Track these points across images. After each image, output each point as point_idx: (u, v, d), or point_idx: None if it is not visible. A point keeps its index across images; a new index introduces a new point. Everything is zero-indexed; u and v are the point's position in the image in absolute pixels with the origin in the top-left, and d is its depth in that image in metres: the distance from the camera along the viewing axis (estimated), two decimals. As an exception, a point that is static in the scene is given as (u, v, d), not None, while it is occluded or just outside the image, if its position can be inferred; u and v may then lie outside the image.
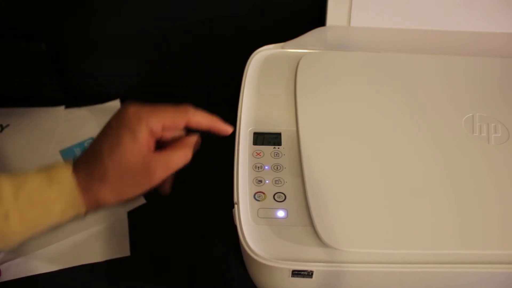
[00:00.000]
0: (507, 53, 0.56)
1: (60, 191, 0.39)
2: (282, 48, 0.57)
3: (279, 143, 0.47)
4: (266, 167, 0.45)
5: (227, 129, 0.44)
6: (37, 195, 0.38)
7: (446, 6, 0.58)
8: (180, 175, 0.45)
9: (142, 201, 0.56)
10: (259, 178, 0.44)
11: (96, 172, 0.40)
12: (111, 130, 0.42)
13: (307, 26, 0.58)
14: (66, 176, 0.39)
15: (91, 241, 0.53)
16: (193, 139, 0.43)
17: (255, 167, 0.45)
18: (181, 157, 0.41)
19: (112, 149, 0.40)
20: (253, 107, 0.50)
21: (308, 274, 0.38)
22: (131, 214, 0.55)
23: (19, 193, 0.38)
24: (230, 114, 0.51)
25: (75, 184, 0.39)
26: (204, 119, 0.43)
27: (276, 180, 0.44)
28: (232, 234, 0.41)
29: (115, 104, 0.67)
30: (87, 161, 0.41)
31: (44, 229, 0.40)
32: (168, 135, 0.44)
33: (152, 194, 0.49)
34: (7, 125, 0.65)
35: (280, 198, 0.42)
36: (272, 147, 0.46)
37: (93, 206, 0.40)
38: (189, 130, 0.43)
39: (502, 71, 0.54)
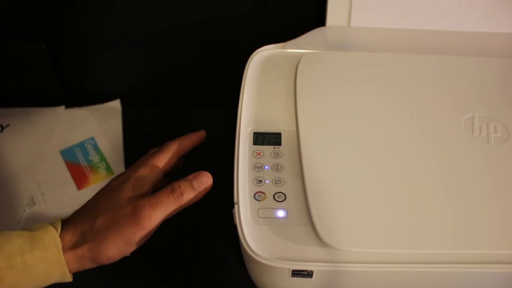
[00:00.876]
0: (507, 53, 0.56)
1: (44, 254, 0.37)
2: (282, 48, 0.57)
3: (279, 143, 0.47)
4: (266, 167, 0.45)
5: (200, 135, 0.50)
6: (17, 258, 0.37)
7: (446, 6, 0.58)
8: (180, 175, 0.45)
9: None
10: (259, 178, 0.44)
11: (88, 223, 0.40)
12: (111, 184, 0.44)
13: (307, 26, 0.58)
14: (51, 237, 0.38)
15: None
16: (191, 176, 0.43)
17: (255, 167, 0.45)
18: (166, 194, 0.41)
19: (109, 196, 0.42)
20: (253, 107, 0.50)
21: (308, 274, 0.38)
22: (131, 214, 0.55)
23: None
24: (230, 114, 0.51)
25: (61, 246, 0.38)
26: (185, 142, 0.48)
27: (276, 180, 0.44)
28: (232, 234, 0.41)
29: (115, 104, 0.67)
30: (80, 215, 0.41)
31: None
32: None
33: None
34: (7, 125, 0.65)
35: (280, 198, 0.42)
36: (272, 147, 0.46)
37: (85, 264, 0.39)
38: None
39: (502, 71, 0.54)
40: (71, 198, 0.57)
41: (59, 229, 0.39)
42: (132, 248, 0.41)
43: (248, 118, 0.49)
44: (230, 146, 0.46)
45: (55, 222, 0.40)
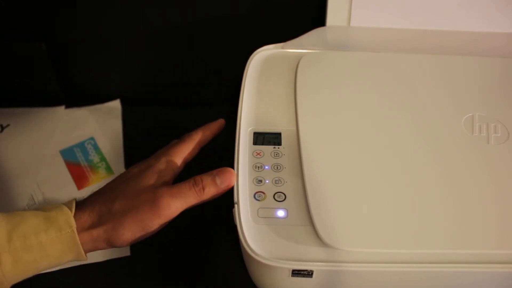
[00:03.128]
0: (507, 53, 0.56)
1: (59, 234, 0.37)
2: (282, 48, 0.57)
3: (279, 143, 0.47)
4: (266, 167, 0.45)
5: (219, 124, 0.49)
6: (32, 238, 0.37)
7: (446, 6, 0.58)
8: (180, 175, 0.45)
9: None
10: (259, 178, 0.44)
11: (105, 206, 0.40)
12: (134, 169, 0.44)
13: (307, 26, 0.58)
14: (65, 217, 0.38)
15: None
16: (214, 172, 0.43)
17: (255, 167, 0.45)
18: (187, 186, 0.41)
19: (127, 180, 0.42)
20: (253, 107, 0.50)
21: (308, 273, 0.38)
22: (131, 214, 0.55)
23: (12, 235, 0.36)
24: (230, 114, 0.51)
25: (75, 226, 0.38)
26: (205, 132, 0.48)
27: (276, 180, 0.44)
28: (232, 234, 0.41)
29: (115, 104, 0.67)
30: (98, 197, 0.41)
31: (40, 271, 0.39)
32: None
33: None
34: (7, 125, 0.65)
35: (280, 197, 0.42)
36: (272, 147, 0.46)
37: (99, 245, 0.39)
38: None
39: (502, 71, 0.54)
40: (71, 198, 0.57)
41: (73, 210, 0.39)
42: (147, 235, 0.41)
43: (248, 118, 0.49)
44: (230, 146, 0.46)
45: (69, 202, 0.40)
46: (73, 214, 0.39)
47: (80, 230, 0.39)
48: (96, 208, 0.40)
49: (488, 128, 0.47)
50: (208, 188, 0.42)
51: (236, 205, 0.42)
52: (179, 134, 0.50)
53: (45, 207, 0.40)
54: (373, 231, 0.39)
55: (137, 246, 0.52)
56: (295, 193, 0.43)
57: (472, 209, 0.41)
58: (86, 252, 0.39)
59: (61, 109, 0.67)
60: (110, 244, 0.40)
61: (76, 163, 0.61)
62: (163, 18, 0.62)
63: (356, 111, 0.48)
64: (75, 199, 0.41)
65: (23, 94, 0.68)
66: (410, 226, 0.40)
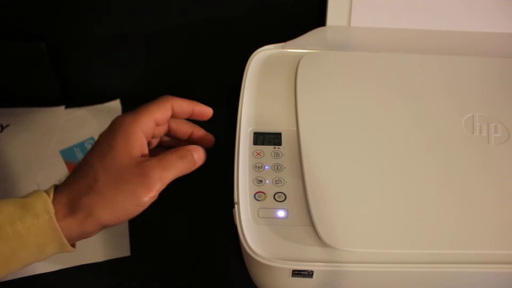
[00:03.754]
0: (507, 53, 0.56)
1: (36, 221, 0.35)
2: (282, 48, 0.57)
3: (280, 143, 0.47)
4: (266, 167, 0.45)
5: (208, 110, 0.45)
6: (8, 227, 0.34)
7: (446, 6, 0.58)
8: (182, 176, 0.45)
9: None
10: (259, 178, 0.44)
11: (85, 184, 0.37)
12: (102, 140, 0.39)
13: (307, 26, 0.58)
14: (43, 204, 0.36)
15: (91, 241, 0.52)
16: (192, 146, 0.42)
17: (255, 167, 0.45)
18: (178, 156, 0.40)
19: (103, 154, 0.38)
20: (253, 107, 0.50)
21: (309, 274, 0.38)
22: (131, 214, 0.55)
23: None
24: (230, 114, 0.51)
25: (54, 212, 0.35)
26: (184, 103, 0.43)
27: (276, 180, 0.44)
28: (232, 234, 0.41)
29: (115, 104, 0.67)
30: (74, 176, 0.38)
31: (22, 264, 0.36)
32: (160, 132, 0.44)
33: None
34: (7, 125, 0.65)
35: (280, 198, 0.42)
36: (272, 147, 0.46)
37: (86, 228, 0.37)
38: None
39: (502, 71, 0.54)
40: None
41: (52, 195, 0.36)
42: (140, 209, 0.38)
43: (248, 118, 0.49)
44: (230, 146, 0.46)
45: (49, 188, 0.37)
46: (51, 199, 0.36)
47: (61, 216, 0.36)
48: (74, 189, 0.37)
49: (488, 128, 0.47)
50: (197, 154, 0.41)
51: (236, 205, 0.42)
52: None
53: (26, 194, 0.37)
54: (373, 231, 0.39)
55: (137, 246, 0.52)
56: (295, 193, 0.43)
57: (472, 210, 0.41)
58: (73, 240, 0.37)
59: (61, 109, 0.67)
60: (100, 224, 0.37)
61: (76, 163, 0.61)
62: (163, 18, 0.62)
63: (357, 111, 0.48)
64: (54, 184, 0.38)
65: (23, 94, 0.68)
66: (410, 226, 0.40)
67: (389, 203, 0.41)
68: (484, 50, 0.56)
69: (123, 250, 0.52)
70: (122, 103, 0.68)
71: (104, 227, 0.38)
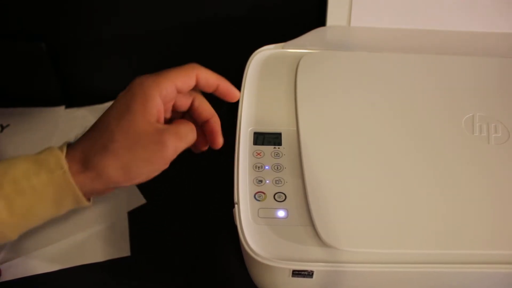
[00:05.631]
0: (507, 53, 0.56)
1: (50, 176, 0.35)
2: (282, 48, 0.57)
3: (280, 143, 0.47)
4: (266, 167, 0.45)
5: (234, 91, 0.42)
6: (24, 182, 0.35)
7: (446, 6, 0.58)
8: (180, 175, 0.45)
9: (142, 201, 0.56)
10: (260, 178, 0.44)
11: (100, 142, 0.36)
12: (120, 101, 0.38)
13: (307, 26, 0.58)
14: (56, 159, 0.36)
15: (91, 241, 0.53)
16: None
17: (255, 167, 0.45)
18: (190, 129, 0.39)
19: (120, 116, 0.37)
20: (253, 107, 0.50)
21: (309, 274, 0.38)
22: (131, 214, 0.55)
23: (2, 182, 0.35)
24: (230, 114, 0.51)
25: (67, 167, 0.35)
26: (212, 76, 0.41)
27: (277, 180, 0.44)
28: (233, 234, 0.41)
29: (115, 104, 0.67)
30: (89, 134, 0.38)
31: (41, 219, 0.37)
32: (181, 102, 0.42)
33: (153, 194, 0.49)
34: (7, 125, 0.65)
35: (280, 198, 0.42)
36: (272, 147, 0.46)
37: (98, 185, 0.36)
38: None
39: (502, 71, 0.54)
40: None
41: (65, 151, 0.36)
42: (152, 175, 0.38)
43: (248, 118, 0.49)
44: (230, 146, 0.46)
45: (61, 144, 0.37)
46: (64, 155, 0.36)
47: (76, 172, 0.36)
48: (89, 146, 0.36)
49: (488, 128, 0.47)
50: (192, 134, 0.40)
51: (236, 205, 0.42)
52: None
53: (40, 151, 0.37)
54: (373, 231, 0.39)
55: (137, 246, 0.52)
56: (295, 193, 0.43)
57: (472, 210, 0.41)
58: (88, 195, 0.37)
59: (61, 109, 0.67)
60: (111, 184, 0.37)
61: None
62: (163, 18, 0.62)
63: (356, 111, 0.48)
64: (67, 141, 0.38)
65: (23, 94, 0.68)
66: (410, 227, 0.40)
67: (389, 203, 0.41)
68: (484, 50, 0.56)
69: (123, 250, 0.52)
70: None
71: (116, 187, 0.38)
